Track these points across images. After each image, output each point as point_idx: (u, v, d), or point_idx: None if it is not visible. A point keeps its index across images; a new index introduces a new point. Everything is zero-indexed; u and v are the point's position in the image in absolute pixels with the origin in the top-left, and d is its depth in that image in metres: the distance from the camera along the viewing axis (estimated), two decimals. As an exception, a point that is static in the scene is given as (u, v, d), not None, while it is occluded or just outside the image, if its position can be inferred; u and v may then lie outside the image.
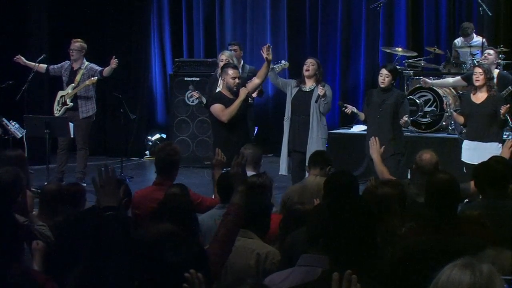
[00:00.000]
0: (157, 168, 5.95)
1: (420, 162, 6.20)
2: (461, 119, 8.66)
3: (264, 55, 8.15)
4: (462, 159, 8.31)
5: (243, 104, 8.14)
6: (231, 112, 8.06)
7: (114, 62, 10.22)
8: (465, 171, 8.08)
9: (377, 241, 3.09)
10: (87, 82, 10.21)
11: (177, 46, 13.58)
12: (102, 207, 3.49)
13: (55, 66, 10.50)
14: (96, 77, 10.21)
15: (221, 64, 9.37)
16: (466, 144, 8.45)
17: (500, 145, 8.18)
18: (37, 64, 10.41)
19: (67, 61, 10.46)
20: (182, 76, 12.00)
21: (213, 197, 6.04)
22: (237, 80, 8.17)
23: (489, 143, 8.23)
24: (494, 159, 5.56)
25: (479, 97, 8.42)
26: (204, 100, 9.41)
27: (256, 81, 8.38)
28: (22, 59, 10.35)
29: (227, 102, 8.11)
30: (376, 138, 6.91)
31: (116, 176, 3.75)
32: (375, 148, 6.82)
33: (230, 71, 8.19)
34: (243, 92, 8.13)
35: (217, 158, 6.17)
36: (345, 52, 12.82)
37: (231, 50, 10.41)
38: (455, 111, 9.08)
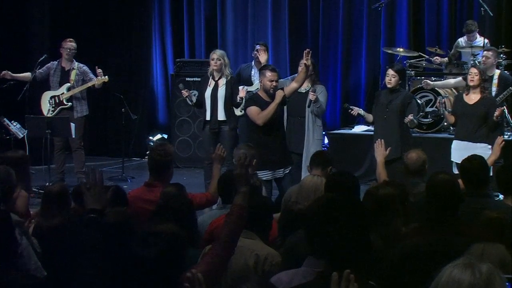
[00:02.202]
0: (149, 169, 5.94)
1: (406, 161, 6.25)
2: (452, 119, 8.66)
3: (303, 60, 8.00)
4: (451, 159, 8.33)
5: (279, 107, 7.99)
6: (266, 115, 7.90)
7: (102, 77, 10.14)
8: (454, 171, 8.07)
9: (371, 241, 3.09)
10: (96, 82, 10.15)
11: (178, 46, 13.58)
12: (87, 209, 3.51)
13: (41, 70, 10.34)
14: (107, 76, 10.19)
15: (212, 63, 9.28)
16: (456, 144, 8.47)
17: (490, 146, 8.22)
18: (23, 75, 10.29)
19: (52, 62, 10.39)
20: (183, 76, 12.00)
21: (209, 191, 6.04)
22: (274, 83, 7.97)
23: (478, 144, 8.25)
24: (467, 159, 5.64)
25: (472, 98, 8.43)
26: (194, 99, 9.40)
27: (294, 85, 8.16)
28: (9, 74, 10.19)
29: (263, 105, 7.95)
30: (382, 141, 6.91)
31: (103, 180, 3.75)
32: (380, 151, 6.82)
33: (268, 73, 8.00)
34: (278, 95, 7.96)
35: (217, 152, 6.19)
36: (346, 53, 12.82)
37: (255, 50, 10.21)
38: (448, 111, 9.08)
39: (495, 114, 8.18)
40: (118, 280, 2.77)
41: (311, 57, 8.07)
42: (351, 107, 8.95)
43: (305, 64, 7.98)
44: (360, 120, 10.55)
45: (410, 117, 8.30)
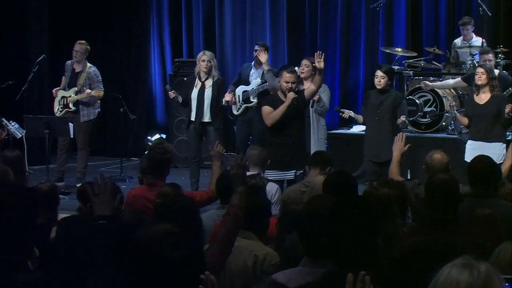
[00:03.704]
0: (149, 168, 5.93)
1: (431, 162, 6.16)
2: (465, 121, 8.64)
3: (315, 63, 7.94)
4: (465, 159, 8.30)
5: (291, 109, 7.92)
6: (274, 117, 7.91)
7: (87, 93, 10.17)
8: None
9: (377, 241, 3.09)
10: (93, 93, 10.07)
11: (177, 46, 13.58)
12: (96, 216, 3.48)
13: (64, 76, 10.37)
14: (102, 91, 10.17)
15: (203, 64, 9.29)
16: (470, 144, 8.44)
17: (504, 145, 8.21)
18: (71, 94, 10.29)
19: (67, 62, 10.40)
20: (181, 76, 11.98)
21: (210, 188, 6.04)
22: (290, 85, 7.94)
23: (493, 143, 8.24)
24: (477, 159, 5.61)
25: (482, 97, 8.42)
26: (180, 100, 9.46)
27: (312, 87, 8.13)
28: (56, 90, 10.25)
29: (279, 105, 7.97)
30: (404, 135, 6.80)
31: (112, 185, 3.71)
32: (398, 145, 6.66)
33: (286, 75, 7.99)
34: (288, 98, 7.94)
35: (215, 149, 6.19)
36: (345, 52, 12.81)
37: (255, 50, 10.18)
38: (458, 112, 9.08)
39: (506, 111, 8.16)
40: (138, 284, 2.74)
41: (312, 56, 8.06)
42: (341, 110, 8.99)
43: (314, 66, 8.03)
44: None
45: (403, 118, 8.32)
